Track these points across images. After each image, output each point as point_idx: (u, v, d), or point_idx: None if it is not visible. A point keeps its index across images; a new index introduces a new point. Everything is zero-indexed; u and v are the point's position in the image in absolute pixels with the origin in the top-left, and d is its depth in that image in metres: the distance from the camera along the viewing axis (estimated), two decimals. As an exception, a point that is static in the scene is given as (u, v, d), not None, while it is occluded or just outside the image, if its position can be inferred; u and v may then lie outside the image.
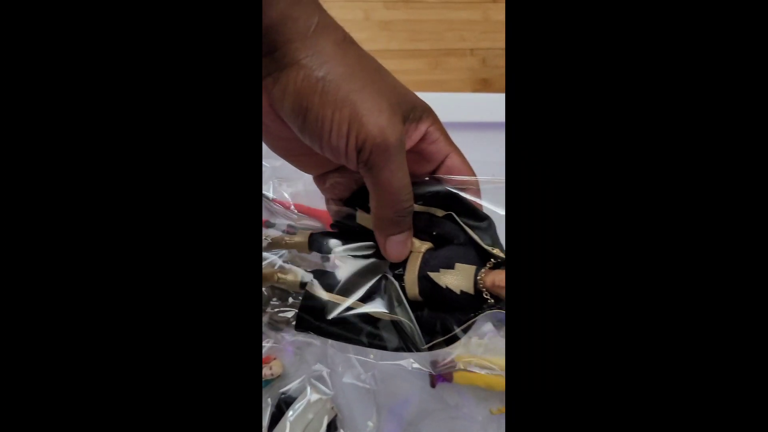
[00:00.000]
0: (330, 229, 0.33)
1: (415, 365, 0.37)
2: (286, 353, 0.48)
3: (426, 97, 0.29)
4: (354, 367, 0.47)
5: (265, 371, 0.47)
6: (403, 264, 0.29)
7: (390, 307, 0.28)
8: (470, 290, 0.27)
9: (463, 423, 0.47)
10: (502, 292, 0.26)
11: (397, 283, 0.29)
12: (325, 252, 0.31)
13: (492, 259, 0.27)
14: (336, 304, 0.28)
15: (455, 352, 0.49)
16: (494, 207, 0.30)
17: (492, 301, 0.27)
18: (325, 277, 0.30)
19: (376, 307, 0.28)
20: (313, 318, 0.29)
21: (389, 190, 0.26)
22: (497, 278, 0.26)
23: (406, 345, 0.27)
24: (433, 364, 0.48)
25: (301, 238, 0.32)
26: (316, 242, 0.32)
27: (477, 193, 0.30)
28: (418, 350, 0.27)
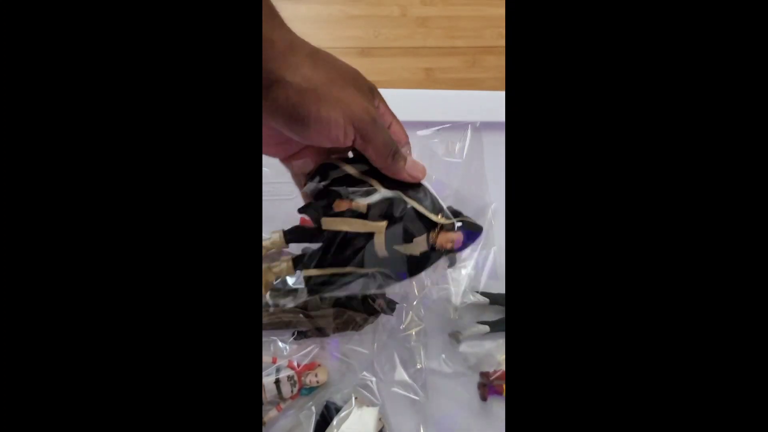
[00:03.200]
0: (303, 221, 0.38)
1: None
2: (331, 360, 0.47)
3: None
4: (402, 377, 0.45)
5: (311, 378, 0.46)
6: (356, 252, 0.35)
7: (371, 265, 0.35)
8: (426, 250, 0.35)
9: (514, 438, 0.46)
10: (448, 247, 0.35)
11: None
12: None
13: (438, 225, 0.35)
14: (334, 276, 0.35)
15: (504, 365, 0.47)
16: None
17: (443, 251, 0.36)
18: (313, 253, 0.36)
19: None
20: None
21: (383, 143, 0.33)
22: (443, 239, 0.35)
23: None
24: (484, 376, 0.46)
25: (276, 237, 0.38)
26: (290, 234, 0.38)
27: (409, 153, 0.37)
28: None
